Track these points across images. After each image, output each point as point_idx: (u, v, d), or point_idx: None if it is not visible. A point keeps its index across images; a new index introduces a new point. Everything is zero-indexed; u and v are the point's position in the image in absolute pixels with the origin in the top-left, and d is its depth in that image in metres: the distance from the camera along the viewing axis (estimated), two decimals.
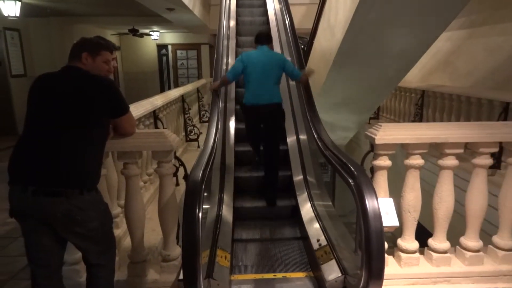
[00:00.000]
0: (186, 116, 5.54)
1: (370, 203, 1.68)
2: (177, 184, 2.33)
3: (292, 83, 4.89)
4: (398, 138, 2.10)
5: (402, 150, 2.22)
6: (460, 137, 2.13)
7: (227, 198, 3.38)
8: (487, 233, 2.55)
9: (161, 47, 13.48)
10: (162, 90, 13.41)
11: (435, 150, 2.23)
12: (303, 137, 4.17)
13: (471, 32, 5.87)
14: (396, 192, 2.27)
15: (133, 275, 2.18)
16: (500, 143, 2.21)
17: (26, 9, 7.11)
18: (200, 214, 1.65)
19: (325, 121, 3.50)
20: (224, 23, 5.59)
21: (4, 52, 7.95)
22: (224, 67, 5.16)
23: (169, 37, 13.28)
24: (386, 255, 1.89)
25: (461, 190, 2.44)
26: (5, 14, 6.54)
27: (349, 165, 1.96)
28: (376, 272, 1.62)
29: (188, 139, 5.54)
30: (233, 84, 5.09)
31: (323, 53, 5.04)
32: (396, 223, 1.90)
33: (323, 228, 2.71)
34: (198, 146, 5.35)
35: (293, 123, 4.43)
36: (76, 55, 1.79)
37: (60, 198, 1.61)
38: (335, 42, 4.26)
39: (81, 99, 1.69)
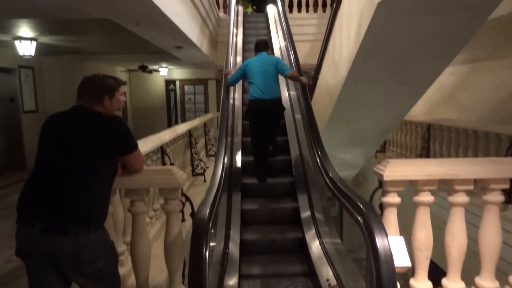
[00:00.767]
0: (193, 150, 5.57)
1: (380, 242, 1.65)
2: (183, 220, 2.32)
3: (298, 116, 4.99)
4: (406, 174, 2.09)
5: (411, 186, 2.20)
6: (470, 173, 2.11)
7: (233, 232, 3.34)
8: (503, 272, 2.46)
9: (169, 82, 13.85)
10: (169, 124, 13.62)
11: (445, 185, 2.21)
12: (309, 170, 4.17)
13: (475, 66, 5.97)
14: (405, 227, 2.23)
15: None
16: (511, 179, 2.18)
17: (41, 48, 7.41)
18: (207, 253, 1.63)
19: (331, 155, 3.52)
20: (231, 59, 5.76)
21: (18, 89, 8.21)
22: (231, 101, 5.27)
23: (177, 73, 13.67)
24: None
25: (474, 226, 2.39)
26: (21, 53, 6.82)
27: (358, 202, 1.95)
28: None
29: (194, 173, 5.54)
30: (239, 119, 5.19)
31: (328, 88, 5.13)
32: (408, 264, 1.85)
33: (332, 267, 2.64)
34: (205, 180, 5.35)
35: (299, 157, 4.45)
36: (96, 97, 1.84)
37: (67, 237, 1.60)
38: (340, 78, 4.35)
39: (91, 137, 1.73)
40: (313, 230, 3.30)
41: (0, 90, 8.12)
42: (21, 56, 6.93)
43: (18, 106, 8.25)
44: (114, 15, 4.07)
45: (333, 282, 2.45)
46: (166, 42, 5.96)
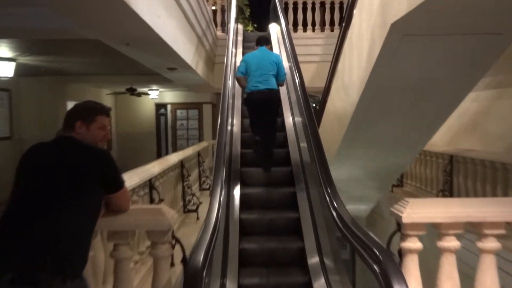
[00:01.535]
0: (185, 183, 5.55)
1: None
2: (172, 265, 2.27)
3: (304, 145, 5.05)
4: (428, 216, 2.07)
5: (433, 229, 2.17)
6: (500, 215, 2.09)
7: (230, 281, 3.27)
8: None
9: (160, 106, 14.01)
10: (158, 152, 13.66)
11: (473, 228, 2.18)
12: (317, 207, 4.13)
13: (500, 92, 6.05)
14: (428, 274, 2.18)
15: None
16: None
17: (20, 69, 7.51)
18: None
19: (342, 190, 3.50)
20: (230, 81, 5.85)
21: None
22: (229, 127, 5.32)
23: (169, 96, 13.85)
24: None
25: (507, 274, 2.34)
26: None
27: (374, 249, 1.91)
28: None
29: (186, 209, 5.49)
30: (238, 147, 5.21)
31: (337, 114, 5.18)
32: None
33: None
34: (198, 218, 5.29)
35: (305, 192, 4.43)
36: (69, 124, 1.86)
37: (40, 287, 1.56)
38: (350, 103, 4.40)
39: (72, 174, 1.72)
40: (323, 280, 3.23)
41: None
42: None
43: None
44: (103, 36, 4.16)
45: None
46: (157, 64, 6.06)
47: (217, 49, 8.91)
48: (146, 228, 2.07)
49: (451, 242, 2.11)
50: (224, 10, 9.43)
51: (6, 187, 1.75)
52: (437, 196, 5.86)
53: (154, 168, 3.98)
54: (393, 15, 2.88)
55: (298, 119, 5.65)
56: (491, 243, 2.12)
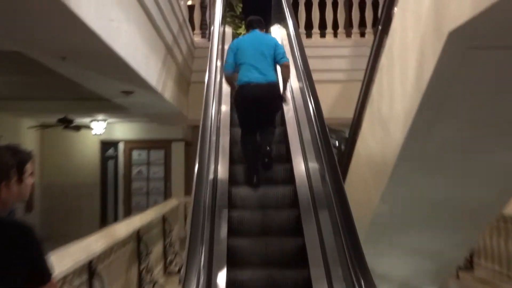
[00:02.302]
0: (142, 266, 5.48)
1: None
2: None
3: (324, 212, 4.99)
4: None
5: None
6: None
7: None
8: None
9: (108, 144, 14.00)
10: (103, 215, 13.55)
11: None
12: None
13: None
14: None
15: None
16: None
17: None
18: None
19: (376, 273, 3.46)
20: (213, 109, 5.89)
21: None
22: (212, 176, 5.30)
23: (121, 130, 13.87)
24: None
25: None
26: None
27: None
28: None
29: None
30: (223, 208, 5.17)
31: (372, 160, 5.20)
32: None
33: None
34: None
35: (324, 272, 4.36)
36: None
37: None
38: (392, 145, 4.42)
39: None
40: None
41: None
42: None
43: None
44: (28, 46, 4.24)
45: None
46: (106, 85, 6.14)
47: (194, 63, 9.09)
48: None
49: None
50: (206, 6, 9.66)
51: None
52: None
53: (96, 243, 3.95)
54: (452, 19, 2.95)
55: (313, 165, 5.65)
56: None
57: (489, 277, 6.75)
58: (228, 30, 9.17)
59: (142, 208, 10.63)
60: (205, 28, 9.53)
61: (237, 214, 5.15)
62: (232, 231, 4.95)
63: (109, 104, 8.17)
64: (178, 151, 13.31)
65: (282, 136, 6.34)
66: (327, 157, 5.12)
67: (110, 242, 4.35)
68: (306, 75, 6.50)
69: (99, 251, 3.95)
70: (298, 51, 7.13)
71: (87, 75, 5.39)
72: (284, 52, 5.48)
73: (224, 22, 8.85)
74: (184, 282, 3.35)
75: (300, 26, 8.92)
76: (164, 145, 13.57)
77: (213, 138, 5.67)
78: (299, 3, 9.38)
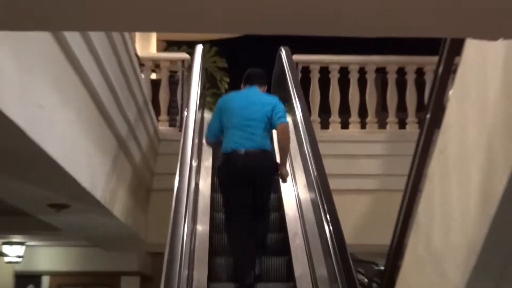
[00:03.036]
0: None
1: None
2: None
3: None
4: None
5: None
6: None
7: None
8: None
9: (25, 279, 13.85)
10: None
11: None
12: None
13: None
14: None
15: None
16: None
17: None
18: None
19: None
20: (185, 228, 5.84)
21: None
22: None
23: (46, 258, 13.75)
24: None
25: None
26: None
27: None
28: None
29: None
30: None
31: None
32: None
33: None
34: None
35: None
36: None
37: None
38: None
39: None
40: None
41: None
42: None
43: None
44: None
45: None
46: (28, 196, 6.14)
47: (158, 162, 9.15)
48: None
49: None
50: (176, 82, 9.83)
51: None
52: None
53: None
54: None
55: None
56: None
57: None
58: (208, 116, 9.23)
59: None
60: (174, 113, 9.65)
61: None
62: None
63: (31, 221, 8.13)
64: None
65: (286, 274, 6.30)
66: None
67: None
68: (321, 183, 6.54)
69: None
70: (308, 147, 7.19)
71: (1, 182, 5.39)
72: (285, 113, 6.06)
73: (203, 104, 8.98)
74: None
75: (312, 111, 9.02)
76: (110, 280, 13.37)
77: (185, 272, 5.56)
78: (312, 79, 9.54)
